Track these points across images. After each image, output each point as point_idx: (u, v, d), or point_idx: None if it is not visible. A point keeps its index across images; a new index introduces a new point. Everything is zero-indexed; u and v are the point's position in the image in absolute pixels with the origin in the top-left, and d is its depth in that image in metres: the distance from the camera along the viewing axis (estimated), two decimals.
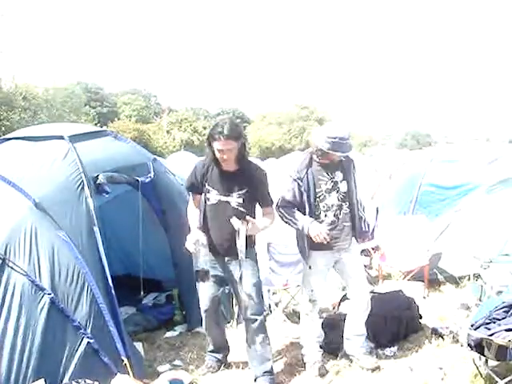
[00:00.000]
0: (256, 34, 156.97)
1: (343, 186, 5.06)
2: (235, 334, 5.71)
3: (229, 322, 5.93)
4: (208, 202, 4.72)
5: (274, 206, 4.91)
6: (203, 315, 4.99)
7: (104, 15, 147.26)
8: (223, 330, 5.24)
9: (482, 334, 4.39)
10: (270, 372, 4.85)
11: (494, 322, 4.43)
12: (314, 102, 67.32)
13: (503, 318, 4.44)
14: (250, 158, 4.93)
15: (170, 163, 12.90)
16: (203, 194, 4.75)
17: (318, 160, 5.01)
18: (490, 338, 4.30)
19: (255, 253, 4.84)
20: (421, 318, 6.00)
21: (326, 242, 4.83)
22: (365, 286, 5.30)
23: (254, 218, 4.71)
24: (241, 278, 4.72)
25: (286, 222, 4.97)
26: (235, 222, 4.53)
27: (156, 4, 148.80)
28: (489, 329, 4.39)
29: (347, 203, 5.08)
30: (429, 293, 7.26)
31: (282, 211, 4.96)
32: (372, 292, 6.65)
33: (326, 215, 5.01)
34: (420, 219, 8.00)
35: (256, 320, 4.78)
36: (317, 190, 4.97)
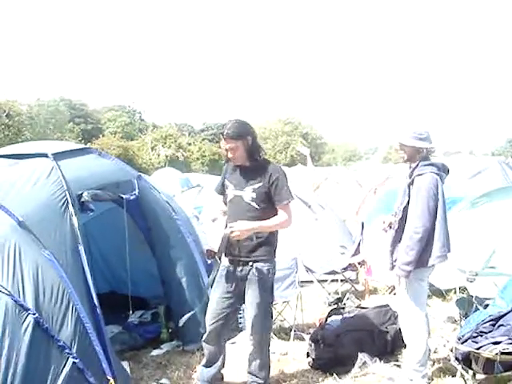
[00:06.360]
0: (238, 51, 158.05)
1: None
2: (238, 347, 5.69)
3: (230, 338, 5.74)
4: (227, 198, 4.79)
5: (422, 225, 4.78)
6: (207, 328, 4.86)
7: (87, 32, 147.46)
8: (224, 345, 5.04)
9: (469, 347, 4.40)
10: None
11: (481, 336, 4.43)
12: (297, 117, 67.67)
13: (490, 331, 4.44)
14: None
15: (155, 180, 12.90)
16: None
17: None
18: (478, 351, 4.30)
19: (268, 269, 4.68)
20: None
21: None
22: None
23: (270, 214, 4.62)
24: (244, 295, 4.71)
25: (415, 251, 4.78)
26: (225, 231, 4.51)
27: (138, 21, 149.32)
28: (476, 342, 4.39)
29: None
30: None
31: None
32: (359, 307, 6.68)
33: None
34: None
35: (252, 339, 4.75)
36: None
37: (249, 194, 4.61)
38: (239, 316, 6.10)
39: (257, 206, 4.60)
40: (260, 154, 4.73)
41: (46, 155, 5.20)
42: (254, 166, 4.69)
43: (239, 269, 4.68)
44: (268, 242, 4.66)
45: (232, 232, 4.42)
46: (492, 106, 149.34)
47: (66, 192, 4.83)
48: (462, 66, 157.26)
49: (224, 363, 5.05)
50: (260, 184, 4.61)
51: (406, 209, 4.92)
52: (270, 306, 4.87)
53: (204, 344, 4.95)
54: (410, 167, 4.98)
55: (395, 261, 4.93)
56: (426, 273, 4.94)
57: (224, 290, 4.76)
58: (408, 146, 4.88)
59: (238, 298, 4.78)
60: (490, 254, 6.75)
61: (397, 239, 4.98)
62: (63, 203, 4.77)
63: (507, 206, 7.49)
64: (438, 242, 4.81)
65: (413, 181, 4.88)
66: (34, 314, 3.86)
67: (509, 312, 4.47)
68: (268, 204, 4.63)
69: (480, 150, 66.99)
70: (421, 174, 4.84)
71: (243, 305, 4.96)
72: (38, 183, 4.86)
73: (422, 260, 4.79)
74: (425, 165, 4.87)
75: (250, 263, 4.61)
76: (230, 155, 4.63)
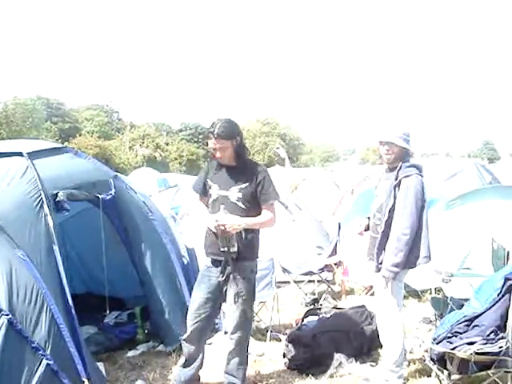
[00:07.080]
0: (217, 51, 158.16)
1: None
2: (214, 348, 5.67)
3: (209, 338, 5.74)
4: (210, 199, 4.73)
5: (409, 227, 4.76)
6: (189, 327, 4.82)
7: (64, 30, 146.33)
8: (203, 345, 5.02)
9: (444, 347, 4.43)
10: None
11: (456, 336, 4.46)
12: (276, 118, 67.92)
13: (465, 332, 4.47)
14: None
15: (132, 179, 12.81)
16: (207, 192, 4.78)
17: None
18: (453, 351, 4.33)
19: (251, 269, 4.73)
20: None
21: None
22: None
23: (255, 214, 4.63)
24: (226, 293, 4.71)
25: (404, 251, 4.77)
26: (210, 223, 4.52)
27: (116, 20, 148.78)
28: (451, 342, 4.42)
29: None
30: None
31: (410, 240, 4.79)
32: (335, 307, 6.69)
33: None
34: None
35: (232, 338, 4.74)
36: None
37: (235, 193, 4.60)
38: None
39: (243, 206, 4.59)
40: (246, 154, 4.74)
41: (20, 154, 5.14)
42: (240, 166, 4.69)
43: (221, 268, 4.66)
44: (251, 242, 4.66)
45: (223, 225, 4.42)
46: (469, 108, 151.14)
47: (41, 191, 4.78)
48: (439, 69, 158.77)
49: (202, 364, 5.02)
50: (247, 184, 4.61)
51: (391, 210, 4.88)
52: (252, 306, 4.87)
53: (184, 343, 4.92)
54: (390, 169, 4.96)
55: (381, 263, 4.91)
56: (406, 273, 4.97)
57: (206, 290, 4.74)
58: (398, 147, 4.85)
59: (220, 297, 4.77)
60: (465, 256, 6.81)
61: (383, 241, 4.92)
62: (38, 203, 4.72)
63: (482, 208, 7.57)
64: (424, 242, 4.84)
65: (399, 182, 4.85)
66: (7, 315, 3.81)
67: (483, 312, 4.49)
68: (253, 203, 4.64)
69: (456, 152, 68.06)
70: (407, 176, 4.82)
71: (222, 304, 4.95)
72: (12, 182, 4.80)
73: (409, 261, 4.80)
74: (408, 166, 4.86)
75: (233, 263, 4.59)
76: (218, 155, 4.60)
